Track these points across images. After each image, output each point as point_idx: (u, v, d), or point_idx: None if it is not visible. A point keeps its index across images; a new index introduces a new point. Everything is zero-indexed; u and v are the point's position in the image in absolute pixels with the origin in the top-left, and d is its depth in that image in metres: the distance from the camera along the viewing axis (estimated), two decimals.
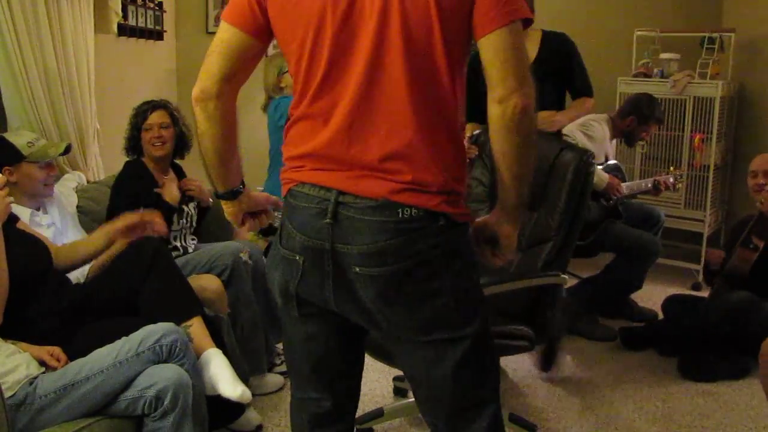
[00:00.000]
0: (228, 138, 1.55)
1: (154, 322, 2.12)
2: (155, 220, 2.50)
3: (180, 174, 3.20)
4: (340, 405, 1.70)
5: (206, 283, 2.72)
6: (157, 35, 4.76)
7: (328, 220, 1.41)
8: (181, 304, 2.37)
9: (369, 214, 1.39)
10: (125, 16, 4.18)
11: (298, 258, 1.47)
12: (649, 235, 3.85)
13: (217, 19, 5.20)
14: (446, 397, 1.53)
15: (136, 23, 4.40)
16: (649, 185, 3.95)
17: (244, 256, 2.91)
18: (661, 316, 3.76)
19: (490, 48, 1.37)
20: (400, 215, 1.38)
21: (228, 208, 1.68)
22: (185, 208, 3.09)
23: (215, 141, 1.54)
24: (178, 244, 3.06)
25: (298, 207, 1.46)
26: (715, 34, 4.51)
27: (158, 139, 3.04)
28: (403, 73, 1.37)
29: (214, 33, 5.62)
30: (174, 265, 2.48)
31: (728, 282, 3.47)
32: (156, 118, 3.05)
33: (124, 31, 4.24)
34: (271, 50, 2.28)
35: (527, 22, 1.41)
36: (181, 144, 3.14)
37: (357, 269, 1.41)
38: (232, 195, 1.64)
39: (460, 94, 1.45)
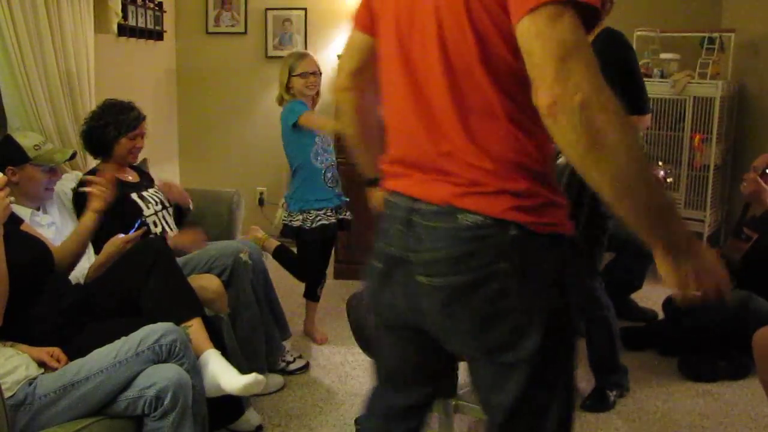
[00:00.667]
0: (362, 126, 1.69)
1: (155, 323, 2.12)
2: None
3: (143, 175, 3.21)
4: (414, 407, 1.64)
5: (206, 283, 2.72)
6: (157, 35, 4.76)
7: (400, 227, 1.39)
8: (181, 304, 2.37)
9: (433, 219, 1.33)
10: (125, 17, 4.19)
11: (376, 264, 1.48)
12: None
13: (217, 20, 5.21)
14: (498, 424, 1.43)
15: (136, 23, 4.40)
16: None
17: (244, 257, 2.91)
18: (661, 315, 3.76)
19: (518, 41, 1.19)
20: (461, 221, 1.29)
21: (374, 194, 1.77)
22: (145, 195, 3.03)
23: (350, 127, 1.70)
24: (159, 230, 3.00)
25: (384, 215, 1.49)
26: (715, 34, 4.51)
27: (139, 149, 3.05)
28: (441, 74, 1.32)
29: (213, 33, 5.66)
30: (176, 265, 2.48)
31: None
32: (143, 127, 3.05)
33: (124, 31, 4.24)
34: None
35: (588, 13, 1.18)
36: None
37: (421, 278, 1.36)
38: (373, 183, 1.76)
39: (516, 91, 1.28)
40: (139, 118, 3.02)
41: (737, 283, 3.31)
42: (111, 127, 2.95)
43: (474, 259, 1.29)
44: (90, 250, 2.74)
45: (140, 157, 3.21)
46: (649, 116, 2.84)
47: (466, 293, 1.31)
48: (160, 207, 3.06)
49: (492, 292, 1.29)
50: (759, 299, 3.17)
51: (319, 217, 3.42)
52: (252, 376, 2.23)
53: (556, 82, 1.13)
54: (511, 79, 1.28)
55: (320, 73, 3.51)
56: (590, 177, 1.16)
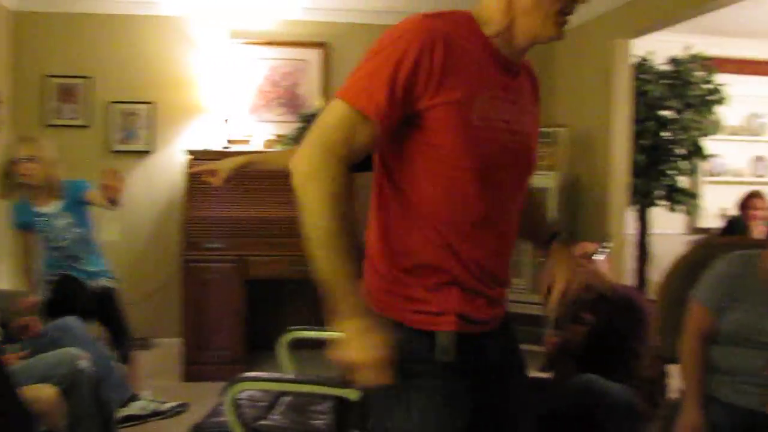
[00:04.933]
0: None
1: None
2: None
3: None
4: None
5: (39, 394, 2.51)
6: None
7: None
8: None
9: None
10: None
11: None
12: None
13: (58, 112, 5.00)
14: None
15: None
16: None
17: (83, 363, 2.72)
18: None
19: None
20: None
21: None
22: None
23: None
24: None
25: None
26: (550, 129, 4.83)
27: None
28: None
29: (54, 126, 5.38)
30: (5, 381, 2.26)
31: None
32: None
33: None
34: None
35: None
36: None
37: None
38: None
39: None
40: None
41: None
42: None
43: None
44: None
45: None
46: None
47: None
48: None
49: None
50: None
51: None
52: None
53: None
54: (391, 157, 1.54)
55: (38, 160, 3.53)
56: None
